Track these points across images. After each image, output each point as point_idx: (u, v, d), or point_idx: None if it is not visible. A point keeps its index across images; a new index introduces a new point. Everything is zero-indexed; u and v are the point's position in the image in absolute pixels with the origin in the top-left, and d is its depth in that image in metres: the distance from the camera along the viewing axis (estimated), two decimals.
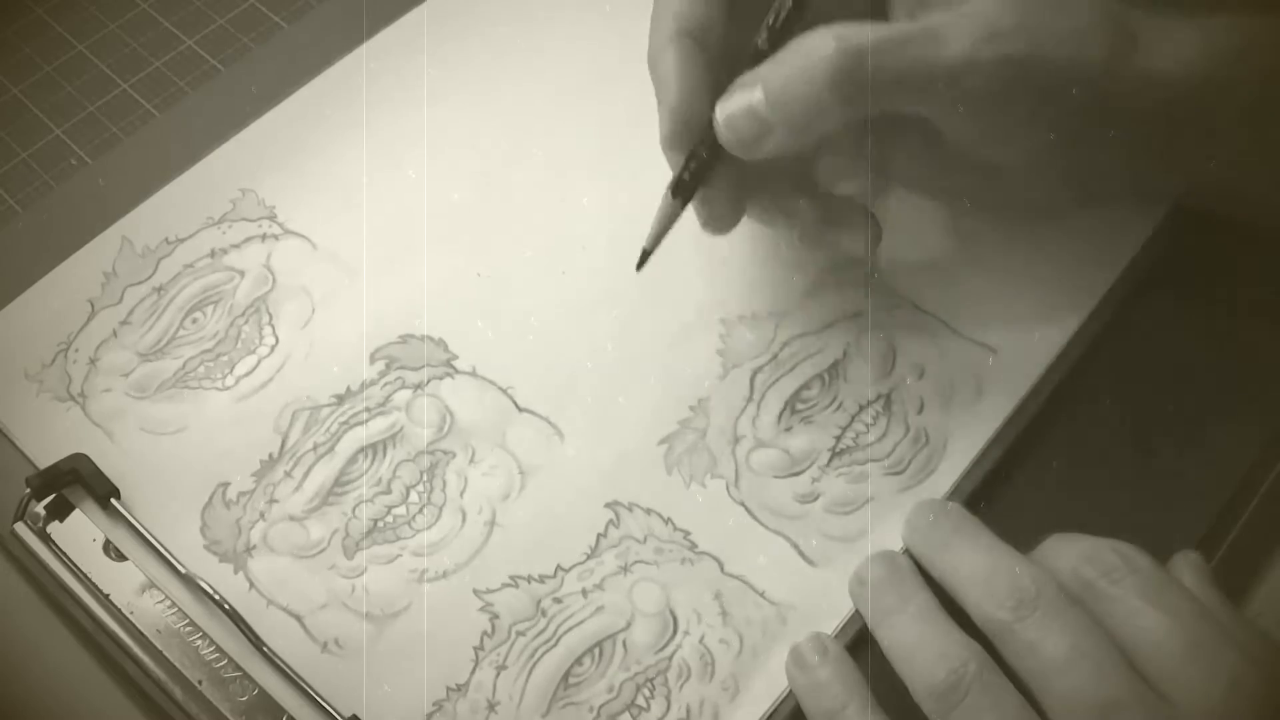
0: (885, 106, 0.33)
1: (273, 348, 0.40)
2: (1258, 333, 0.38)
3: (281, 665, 0.33)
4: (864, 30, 0.32)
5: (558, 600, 0.35)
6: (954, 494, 0.36)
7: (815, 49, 0.32)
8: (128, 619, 0.34)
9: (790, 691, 0.33)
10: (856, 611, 0.34)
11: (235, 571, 0.35)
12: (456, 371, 0.39)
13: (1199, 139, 0.35)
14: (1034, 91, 0.33)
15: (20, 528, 0.36)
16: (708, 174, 0.36)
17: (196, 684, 0.33)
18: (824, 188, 0.37)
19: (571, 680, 0.34)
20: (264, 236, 0.42)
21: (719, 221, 0.37)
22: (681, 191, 0.36)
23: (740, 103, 0.34)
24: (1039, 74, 0.32)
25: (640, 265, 0.37)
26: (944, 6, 0.33)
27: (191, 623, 0.34)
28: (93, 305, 0.41)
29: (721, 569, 0.35)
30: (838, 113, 0.33)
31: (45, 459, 0.37)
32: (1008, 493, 0.36)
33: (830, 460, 0.37)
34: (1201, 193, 0.38)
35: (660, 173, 0.43)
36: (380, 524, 0.36)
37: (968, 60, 0.32)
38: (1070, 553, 0.32)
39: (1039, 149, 0.35)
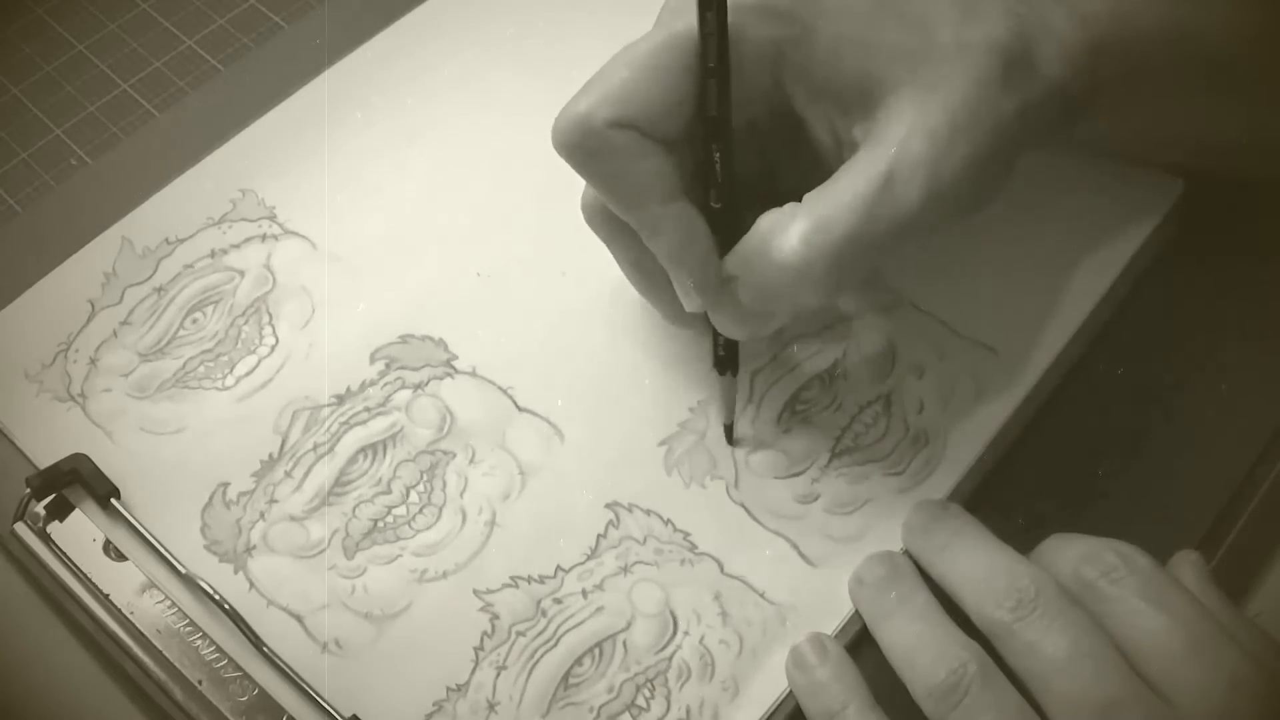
0: (870, 270, 0.32)
1: (273, 348, 0.40)
2: (1258, 333, 0.38)
3: (281, 665, 0.33)
4: (827, 216, 0.30)
5: (558, 600, 0.35)
6: (954, 494, 0.36)
7: (784, 251, 0.31)
8: (128, 619, 0.34)
9: (790, 692, 0.33)
10: (856, 612, 0.34)
11: (235, 571, 0.35)
12: (456, 371, 0.39)
13: (1196, 103, 0.34)
14: (1000, 165, 0.32)
15: (20, 528, 0.36)
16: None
17: (196, 684, 0.33)
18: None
19: (571, 680, 0.34)
20: (264, 237, 0.42)
21: (681, 320, 0.37)
22: (726, 365, 0.36)
23: (720, 303, 0.33)
24: (1002, 150, 0.31)
25: (730, 439, 0.37)
26: (866, 124, 0.31)
27: (191, 623, 0.34)
28: (93, 305, 0.41)
29: (721, 570, 0.35)
30: (828, 296, 0.32)
31: (45, 459, 0.37)
32: (1008, 493, 0.36)
33: (830, 461, 0.37)
34: (1206, 151, 0.38)
35: None
36: (380, 524, 0.36)
37: (928, 201, 0.30)
38: (1070, 553, 0.32)
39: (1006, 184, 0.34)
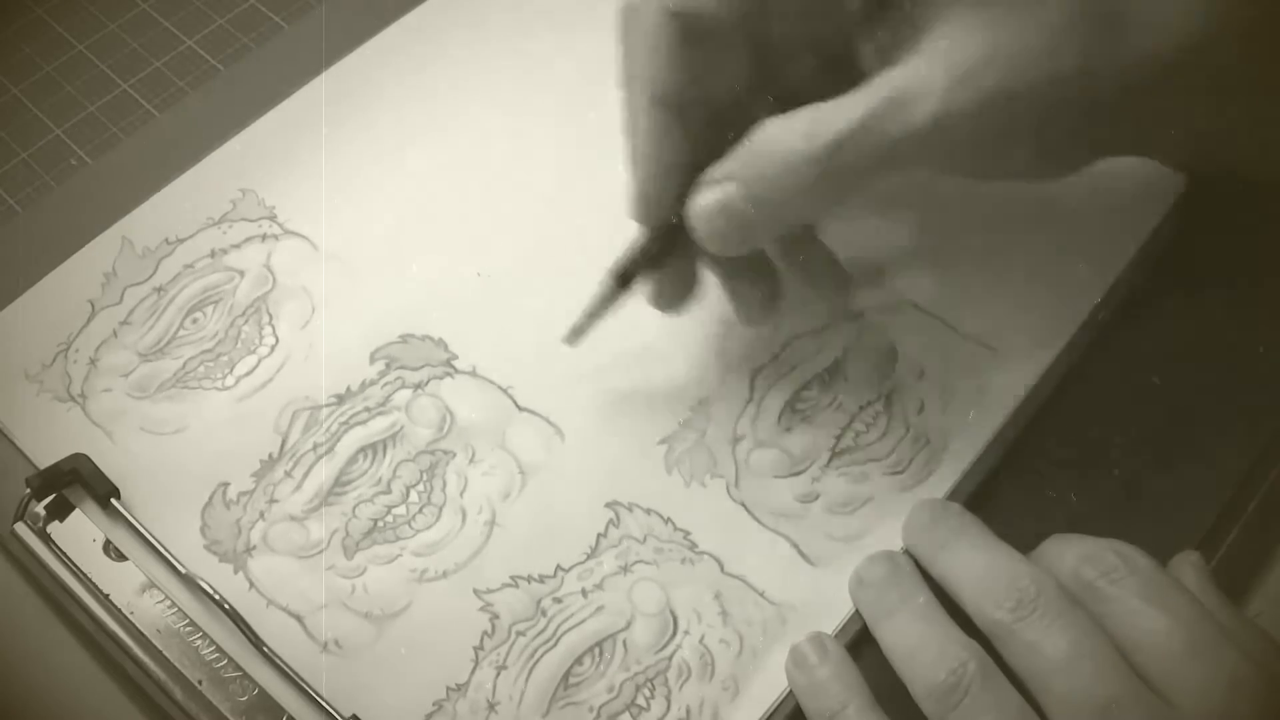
0: (868, 184, 0.32)
1: (273, 348, 0.40)
2: (1258, 332, 0.38)
3: (281, 665, 0.33)
4: (829, 117, 0.30)
5: (558, 600, 0.35)
6: (954, 494, 0.36)
7: (784, 146, 0.31)
8: (128, 619, 0.34)
9: (790, 691, 0.33)
10: (856, 611, 0.34)
11: (235, 571, 0.35)
12: (456, 371, 0.39)
13: (1195, 103, 0.34)
14: (1016, 122, 0.31)
15: (20, 528, 0.36)
16: (659, 261, 0.35)
17: (196, 684, 0.33)
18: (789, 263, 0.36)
19: (571, 680, 0.34)
20: (264, 237, 0.42)
21: (668, 303, 0.36)
22: (624, 280, 0.35)
23: (714, 199, 0.32)
24: (1018, 106, 0.31)
25: (571, 340, 0.36)
26: (911, 41, 0.31)
27: (191, 623, 0.34)
28: (93, 305, 0.41)
29: (721, 569, 0.35)
30: (820, 205, 0.32)
31: (45, 459, 0.37)
32: (1008, 493, 0.36)
33: (830, 460, 0.37)
34: (1205, 151, 0.37)
35: None
36: (380, 524, 0.36)
37: (941, 120, 0.30)
38: (1070, 553, 0.32)
39: (1029, 160, 0.34)
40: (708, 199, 0.32)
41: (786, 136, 0.31)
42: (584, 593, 0.35)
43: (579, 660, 0.34)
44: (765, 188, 0.32)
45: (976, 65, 0.30)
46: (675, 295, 0.36)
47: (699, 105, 0.33)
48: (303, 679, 0.33)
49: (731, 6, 0.31)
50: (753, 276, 0.36)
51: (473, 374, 0.39)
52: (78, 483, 0.36)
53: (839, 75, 0.33)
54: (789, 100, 0.32)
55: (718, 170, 0.32)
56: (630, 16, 0.32)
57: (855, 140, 0.30)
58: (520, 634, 0.34)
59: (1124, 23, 0.31)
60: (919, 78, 0.30)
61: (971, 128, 0.30)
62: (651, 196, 0.33)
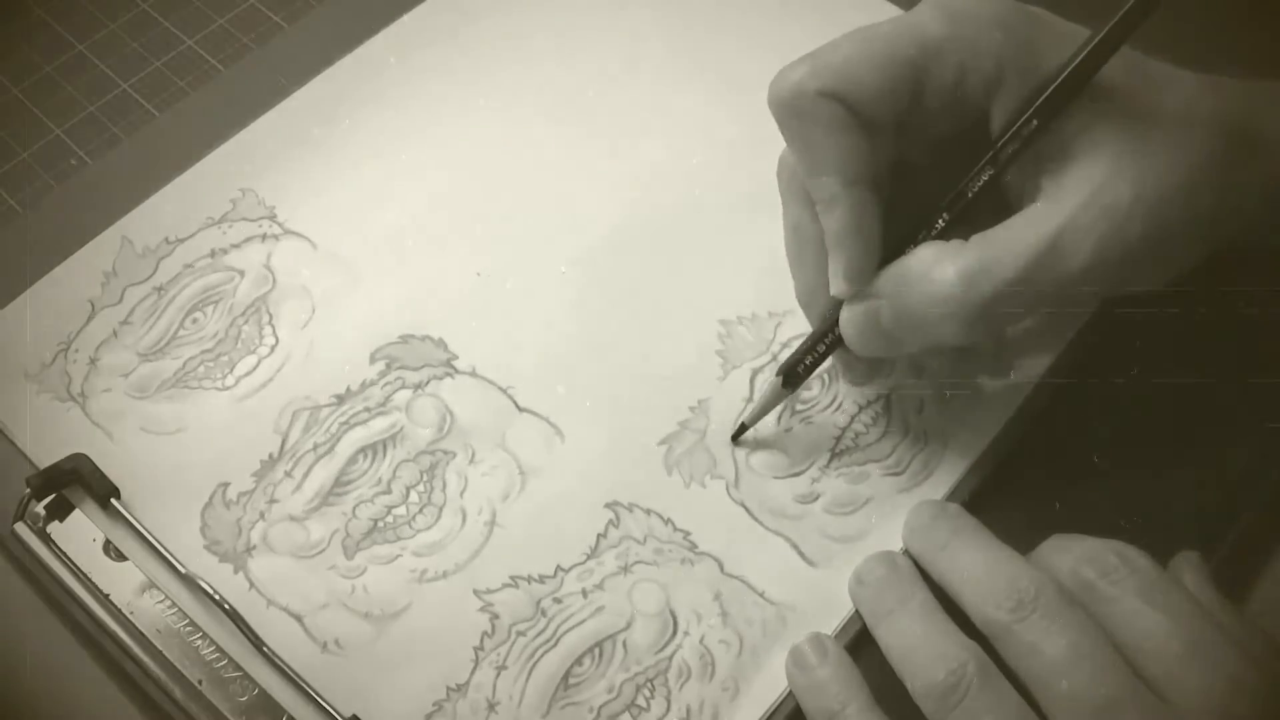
0: (1009, 320, 0.33)
1: (273, 348, 0.40)
2: (1259, 330, 0.38)
3: (281, 665, 0.33)
4: (985, 265, 0.31)
5: (558, 600, 0.35)
6: (954, 494, 0.36)
7: (937, 283, 0.31)
8: (128, 619, 0.34)
9: (790, 692, 0.33)
10: (856, 612, 0.34)
11: (235, 571, 0.35)
12: (456, 371, 0.39)
13: None
14: (1151, 260, 0.31)
15: (20, 528, 0.36)
16: (821, 364, 0.36)
17: (196, 684, 0.33)
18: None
19: (571, 680, 0.34)
20: (264, 236, 0.42)
21: (858, 379, 0.37)
22: (792, 381, 0.36)
23: (862, 311, 0.33)
24: (1158, 247, 0.31)
25: (736, 438, 0.37)
26: (1058, 165, 0.31)
27: (191, 623, 0.34)
28: (93, 305, 0.41)
29: (721, 569, 0.35)
30: (960, 335, 0.32)
31: (45, 459, 0.37)
32: (1008, 494, 0.36)
33: (830, 461, 0.37)
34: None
35: (659, 172, 0.43)
36: (380, 524, 0.36)
37: (1090, 271, 0.30)
38: (1069, 554, 0.32)
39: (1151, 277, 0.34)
40: (857, 311, 0.33)
41: (941, 274, 0.31)
42: (584, 593, 0.35)
43: (579, 660, 0.34)
44: (913, 318, 0.32)
45: (1123, 212, 0.30)
46: (862, 377, 0.37)
47: (882, 186, 0.33)
48: (303, 679, 0.33)
49: (884, 97, 0.32)
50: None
51: (473, 374, 0.39)
52: (78, 483, 0.36)
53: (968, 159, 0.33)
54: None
55: (872, 285, 0.33)
56: (794, 106, 0.32)
57: (1010, 292, 0.31)
58: (520, 634, 0.34)
59: (1263, 141, 0.31)
60: (1072, 227, 0.30)
61: (1116, 274, 0.31)
62: (865, 271, 0.33)
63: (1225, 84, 0.32)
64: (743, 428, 0.37)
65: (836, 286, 0.33)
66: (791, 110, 0.32)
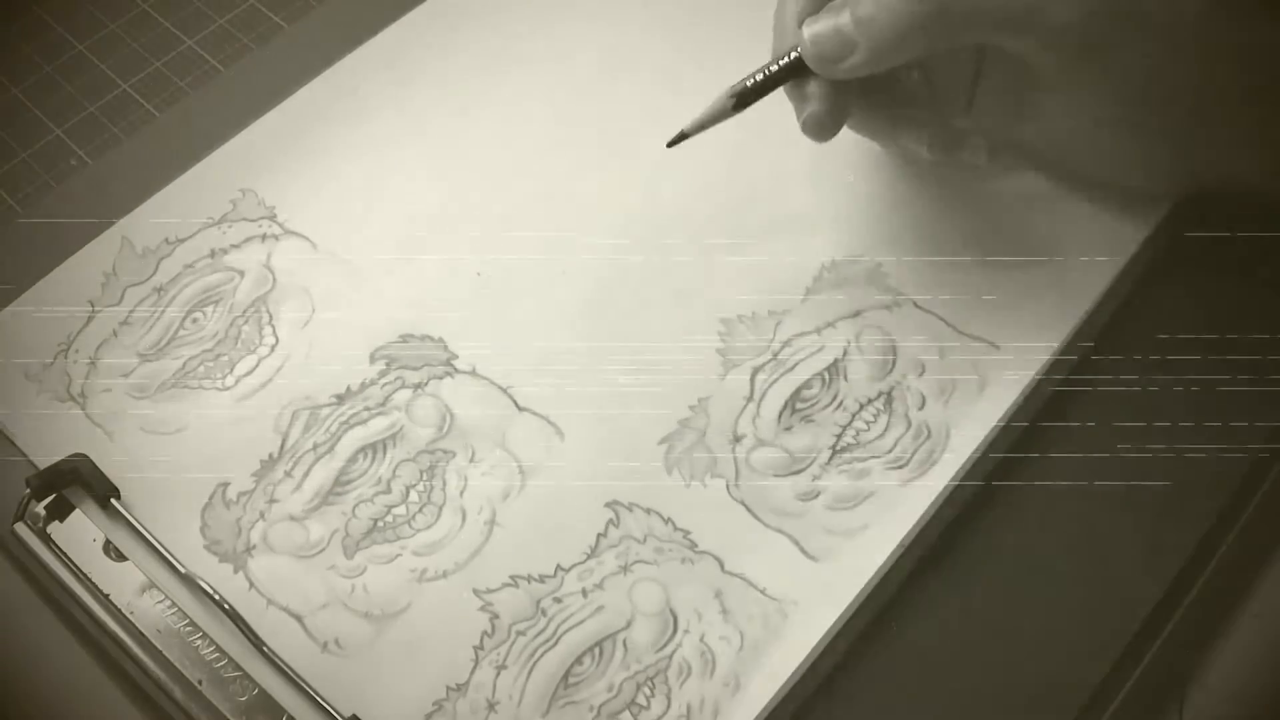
0: (969, 39, 0.34)
1: (273, 348, 0.40)
2: (1260, 329, 0.38)
3: (281, 665, 0.33)
4: None
5: (558, 600, 0.35)
6: (957, 489, 0.36)
7: None
8: (128, 619, 0.34)
9: (791, 688, 0.33)
10: (861, 606, 0.34)
11: (235, 571, 0.35)
12: (456, 371, 0.39)
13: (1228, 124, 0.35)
14: (1116, 27, 0.33)
15: (20, 528, 0.36)
16: (771, 87, 0.37)
17: (196, 684, 0.33)
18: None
19: (571, 679, 0.34)
20: (264, 236, 0.42)
21: (818, 124, 0.37)
22: (740, 98, 0.37)
23: (827, 23, 0.35)
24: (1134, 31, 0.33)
25: (673, 143, 0.38)
26: None
27: (191, 623, 0.34)
28: (93, 305, 0.41)
29: (722, 568, 0.35)
30: (922, 44, 0.34)
31: (45, 459, 0.37)
32: (1010, 489, 0.36)
33: (831, 458, 0.37)
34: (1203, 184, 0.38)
35: (660, 171, 0.43)
36: (380, 524, 0.36)
37: None
38: None
39: (1085, 126, 0.35)
40: (820, 20, 0.35)
41: None
42: (584, 592, 0.35)
43: (579, 660, 0.34)
44: (876, 14, 0.34)
45: None
46: (821, 121, 0.37)
47: None
48: (303, 679, 0.33)
49: None
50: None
51: (473, 374, 0.39)
52: (78, 483, 0.36)
53: None
54: None
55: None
56: None
57: None
58: (520, 634, 0.34)
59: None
60: None
61: (1081, 22, 0.33)
62: (781, 30, 0.36)
63: None
64: (681, 135, 0.37)
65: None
66: None
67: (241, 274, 0.42)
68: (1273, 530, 0.36)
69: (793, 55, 0.36)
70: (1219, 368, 0.38)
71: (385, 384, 0.39)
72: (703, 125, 0.37)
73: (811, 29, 0.35)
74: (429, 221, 0.43)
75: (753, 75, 0.37)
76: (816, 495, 0.36)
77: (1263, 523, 0.36)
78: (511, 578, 0.35)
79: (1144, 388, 0.38)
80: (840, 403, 0.38)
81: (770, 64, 0.37)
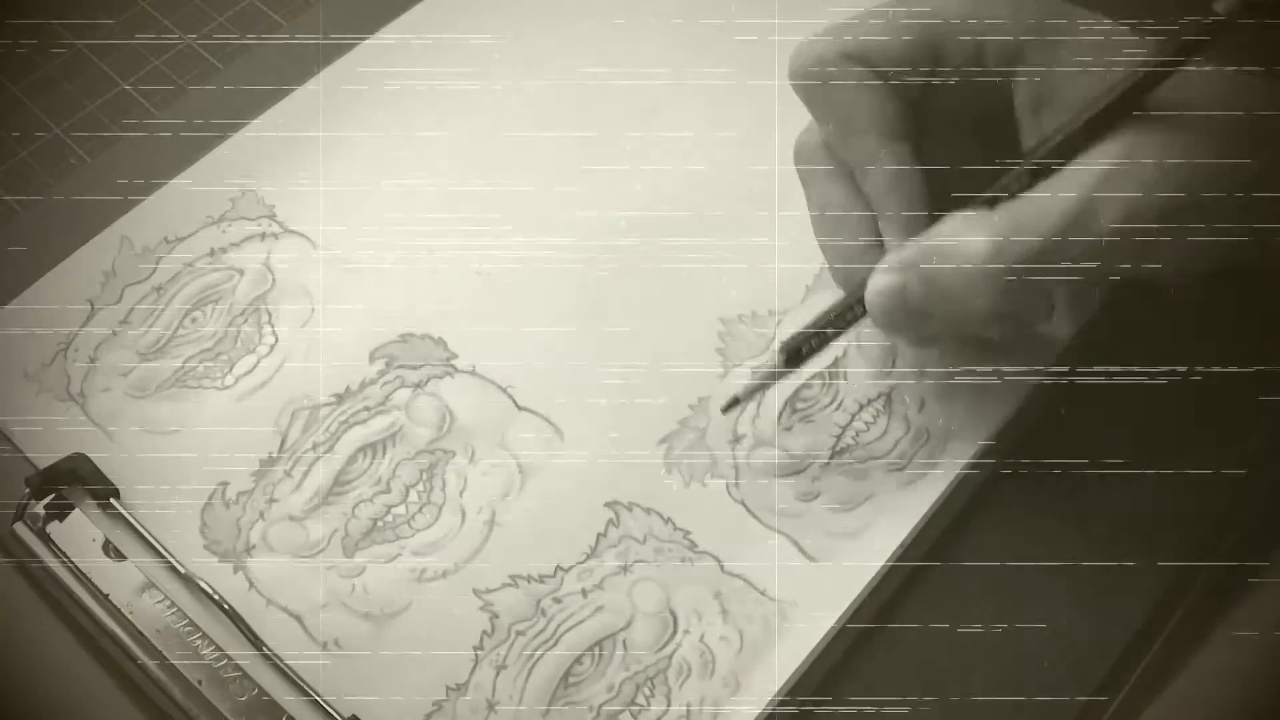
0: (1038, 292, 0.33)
1: (272, 347, 0.40)
2: (1257, 331, 0.38)
3: (281, 665, 0.33)
4: (1013, 219, 0.31)
5: (557, 600, 0.35)
6: (956, 489, 0.36)
7: (967, 243, 0.31)
8: (127, 619, 0.34)
9: (791, 687, 0.33)
10: (861, 606, 0.34)
11: (235, 571, 0.35)
12: (456, 370, 0.39)
13: None
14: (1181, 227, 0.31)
15: (20, 528, 0.36)
16: (826, 342, 0.35)
17: (196, 684, 0.33)
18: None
19: (571, 679, 0.34)
20: (263, 235, 0.42)
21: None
22: (794, 360, 0.35)
23: (891, 282, 0.33)
24: (1187, 213, 0.31)
25: (727, 408, 0.36)
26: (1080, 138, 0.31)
27: (191, 623, 0.34)
28: (92, 305, 0.41)
29: (721, 568, 0.35)
30: (989, 305, 0.32)
31: (45, 459, 0.37)
32: (1011, 488, 0.36)
33: (831, 459, 0.37)
34: None
35: (660, 170, 0.43)
36: (380, 523, 0.36)
37: (1119, 232, 0.30)
38: None
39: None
40: (884, 283, 0.33)
41: (972, 242, 0.31)
42: (584, 592, 0.35)
43: (579, 660, 0.34)
44: (942, 289, 0.32)
45: (1149, 177, 0.30)
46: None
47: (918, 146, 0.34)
48: (302, 679, 0.33)
49: (906, 66, 0.32)
50: None
51: (473, 373, 0.39)
52: (77, 482, 0.36)
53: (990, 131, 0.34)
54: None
55: (898, 256, 0.33)
56: (820, 74, 0.33)
57: (1043, 253, 0.30)
58: (520, 634, 0.34)
59: None
60: (1100, 191, 0.30)
61: (1142, 244, 0.31)
62: (913, 227, 0.33)
63: (1253, 76, 0.32)
64: (735, 401, 0.36)
65: (894, 235, 0.33)
66: (817, 78, 0.33)
67: (241, 273, 0.41)
68: (1273, 530, 0.36)
69: (851, 307, 0.34)
70: (1218, 364, 0.38)
71: (385, 383, 0.39)
72: (755, 389, 0.36)
73: (877, 285, 0.33)
74: (429, 220, 0.43)
75: (809, 338, 0.35)
76: (816, 496, 0.36)
77: (1262, 523, 0.36)
78: (511, 578, 0.35)
79: (1144, 392, 0.38)
80: (840, 403, 0.38)
81: (827, 322, 0.35)
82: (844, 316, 0.35)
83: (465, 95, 0.46)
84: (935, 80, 0.33)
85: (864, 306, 0.34)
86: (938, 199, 0.33)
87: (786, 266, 0.40)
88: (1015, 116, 0.33)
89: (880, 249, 0.34)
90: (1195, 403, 0.37)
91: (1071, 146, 0.31)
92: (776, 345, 0.37)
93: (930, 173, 0.33)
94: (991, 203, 0.32)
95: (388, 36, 0.48)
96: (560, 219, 0.42)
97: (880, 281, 0.33)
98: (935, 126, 0.34)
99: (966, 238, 0.31)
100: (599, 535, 0.36)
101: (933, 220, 0.33)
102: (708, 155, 0.43)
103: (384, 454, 0.37)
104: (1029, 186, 0.31)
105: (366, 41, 0.47)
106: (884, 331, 0.35)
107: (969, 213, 0.32)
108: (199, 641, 0.34)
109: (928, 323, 0.33)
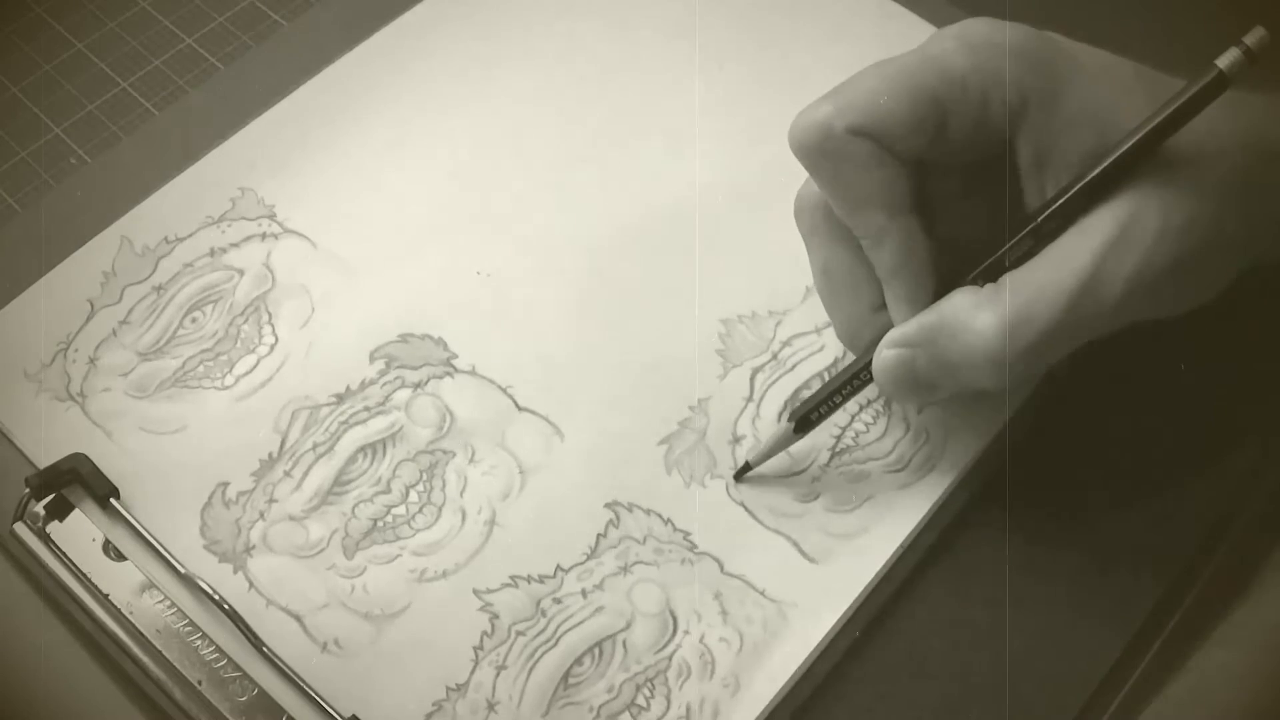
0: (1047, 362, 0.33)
1: (272, 347, 0.40)
2: (1261, 326, 0.38)
3: (281, 665, 0.33)
4: (1022, 303, 0.31)
5: (557, 600, 0.35)
6: (956, 491, 0.36)
7: (975, 333, 0.31)
8: (127, 619, 0.34)
9: (792, 688, 0.33)
10: (860, 607, 0.34)
11: (235, 571, 0.35)
12: (456, 370, 0.39)
13: None
14: (1183, 284, 0.32)
15: (20, 528, 0.36)
16: (836, 408, 0.35)
17: (196, 684, 0.33)
18: None
19: (571, 680, 0.34)
20: (263, 235, 0.42)
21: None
22: (804, 427, 0.36)
23: (897, 357, 0.33)
24: (1190, 275, 0.31)
25: (739, 475, 0.36)
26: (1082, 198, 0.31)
27: (191, 623, 0.34)
28: (92, 305, 0.41)
29: (721, 569, 0.35)
30: (998, 381, 0.32)
31: (45, 459, 0.37)
32: (1012, 487, 0.36)
33: (830, 460, 0.37)
34: None
35: (660, 170, 0.43)
36: (380, 524, 0.36)
37: (1124, 304, 0.30)
38: None
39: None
40: (891, 358, 0.33)
41: (981, 324, 0.31)
42: (584, 593, 0.35)
43: (579, 660, 0.34)
44: (950, 366, 0.32)
45: (1151, 242, 0.30)
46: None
47: (923, 214, 0.33)
48: (302, 679, 0.33)
49: (911, 131, 0.32)
50: None
51: (472, 373, 0.39)
52: (77, 482, 0.36)
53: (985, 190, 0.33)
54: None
55: (904, 332, 0.33)
56: (824, 147, 0.32)
57: (1053, 331, 0.31)
58: (520, 634, 0.34)
59: None
60: (1104, 264, 0.30)
61: (1149, 304, 0.31)
62: (923, 300, 0.33)
63: (1243, 100, 0.31)
64: (746, 467, 0.36)
65: (901, 315, 0.33)
66: (821, 151, 0.32)
67: (241, 273, 0.41)
68: (1273, 530, 0.36)
69: (858, 374, 0.35)
70: (1216, 373, 0.38)
71: (385, 383, 0.39)
72: (766, 455, 0.36)
73: (884, 360, 0.33)
74: (429, 220, 0.43)
75: (818, 405, 0.35)
76: (816, 497, 0.36)
77: (1263, 523, 0.36)
78: (511, 578, 0.35)
79: (1145, 393, 0.38)
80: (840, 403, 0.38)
81: (835, 390, 0.35)
82: (851, 384, 0.35)
83: (465, 94, 0.46)
84: (942, 147, 0.32)
85: (870, 374, 0.34)
86: (944, 266, 0.33)
87: (786, 267, 0.40)
88: (1019, 175, 0.33)
89: (885, 315, 0.34)
90: (1196, 402, 0.37)
91: (1075, 207, 0.31)
92: (787, 414, 0.37)
93: (937, 241, 0.33)
94: (998, 270, 0.32)
95: (387, 37, 0.48)
96: (560, 219, 0.42)
97: (889, 358, 0.33)
98: (940, 190, 0.34)
99: (975, 315, 0.31)
100: (599, 536, 0.36)
101: (941, 291, 0.33)
102: (710, 155, 0.43)
103: (384, 454, 0.37)
104: (1035, 251, 0.31)
105: (367, 42, 0.47)
106: (892, 399, 0.35)
107: (977, 287, 0.32)
108: (199, 641, 0.34)
109: (936, 392, 0.33)
